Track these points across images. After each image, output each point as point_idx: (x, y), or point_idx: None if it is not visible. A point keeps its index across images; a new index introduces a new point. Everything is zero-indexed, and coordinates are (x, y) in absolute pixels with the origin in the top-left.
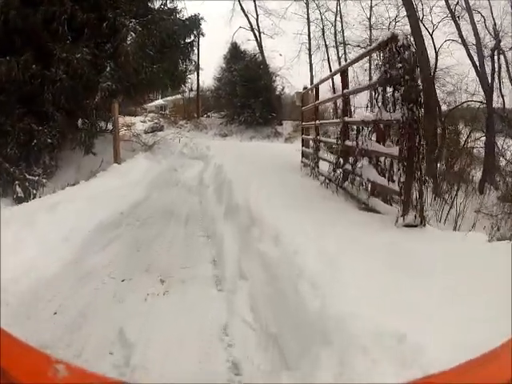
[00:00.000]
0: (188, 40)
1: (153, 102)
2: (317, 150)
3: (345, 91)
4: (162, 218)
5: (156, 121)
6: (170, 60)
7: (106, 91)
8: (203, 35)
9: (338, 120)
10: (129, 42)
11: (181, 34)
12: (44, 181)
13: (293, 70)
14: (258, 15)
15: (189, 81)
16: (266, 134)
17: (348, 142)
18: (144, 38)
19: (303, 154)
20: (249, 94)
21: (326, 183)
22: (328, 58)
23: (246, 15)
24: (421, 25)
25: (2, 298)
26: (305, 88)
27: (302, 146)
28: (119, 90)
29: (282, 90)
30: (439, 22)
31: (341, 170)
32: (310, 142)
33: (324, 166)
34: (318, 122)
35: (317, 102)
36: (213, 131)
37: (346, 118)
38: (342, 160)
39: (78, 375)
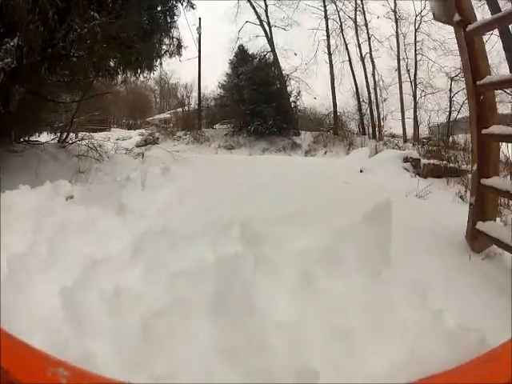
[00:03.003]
0: (167, 7)
1: (157, 116)
2: None
3: None
4: None
5: (151, 133)
6: (130, 25)
7: (0, 72)
8: (192, 7)
9: None
10: None
11: None
12: None
13: (310, 71)
14: (266, 6)
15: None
16: (282, 145)
17: None
18: None
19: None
20: (259, 100)
21: None
22: (349, 59)
23: (252, 7)
24: None
25: None
26: None
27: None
28: (24, 69)
29: (298, 94)
30: None
31: None
32: None
33: None
34: None
35: None
36: (216, 143)
37: None
38: None
39: (77, 375)
